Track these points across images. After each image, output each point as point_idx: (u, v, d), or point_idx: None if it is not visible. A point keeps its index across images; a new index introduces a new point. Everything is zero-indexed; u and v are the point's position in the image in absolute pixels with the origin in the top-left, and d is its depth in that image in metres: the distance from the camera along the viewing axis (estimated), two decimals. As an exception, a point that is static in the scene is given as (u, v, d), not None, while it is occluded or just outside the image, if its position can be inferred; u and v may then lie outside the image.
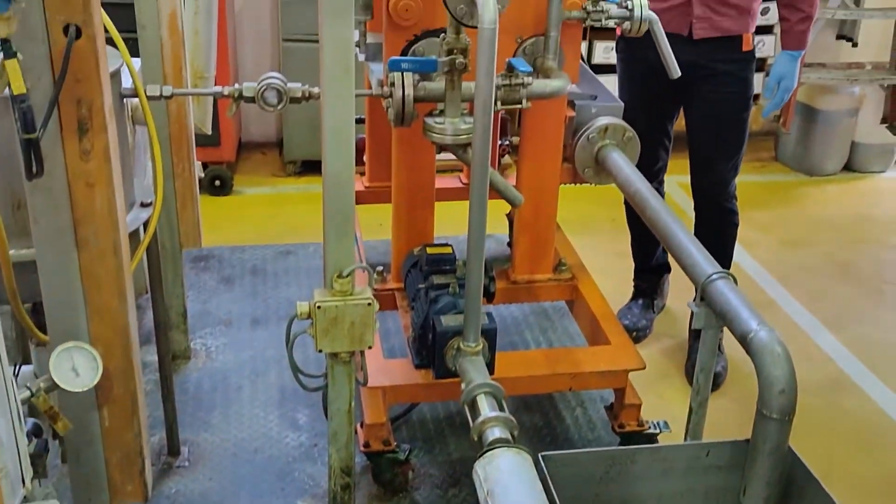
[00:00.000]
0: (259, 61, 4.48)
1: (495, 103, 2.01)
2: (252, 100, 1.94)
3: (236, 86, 1.95)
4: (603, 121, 2.42)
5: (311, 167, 4.26)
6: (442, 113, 1.98)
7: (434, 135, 1.97)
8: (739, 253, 3.74)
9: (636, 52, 2.70)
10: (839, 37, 5.08)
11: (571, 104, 2.46)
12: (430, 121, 1.97)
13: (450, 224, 2.66)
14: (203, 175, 4.01)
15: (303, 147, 4.25)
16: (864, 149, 4.76)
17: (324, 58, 1.59)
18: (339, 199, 1.72)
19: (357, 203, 2.99)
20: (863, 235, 4.06)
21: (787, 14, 2.73)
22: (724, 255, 2.96)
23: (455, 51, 1.89)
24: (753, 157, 4.89)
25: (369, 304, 1.76)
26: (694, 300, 1.84)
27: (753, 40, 2.77)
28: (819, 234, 4.05)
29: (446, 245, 2.30)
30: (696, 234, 2.95)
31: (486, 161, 1.75)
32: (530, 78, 2.01)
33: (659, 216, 2.06)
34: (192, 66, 2.50)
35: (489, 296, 2.22)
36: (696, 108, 2.81)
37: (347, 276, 1.76)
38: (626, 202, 3.08)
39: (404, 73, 1.93)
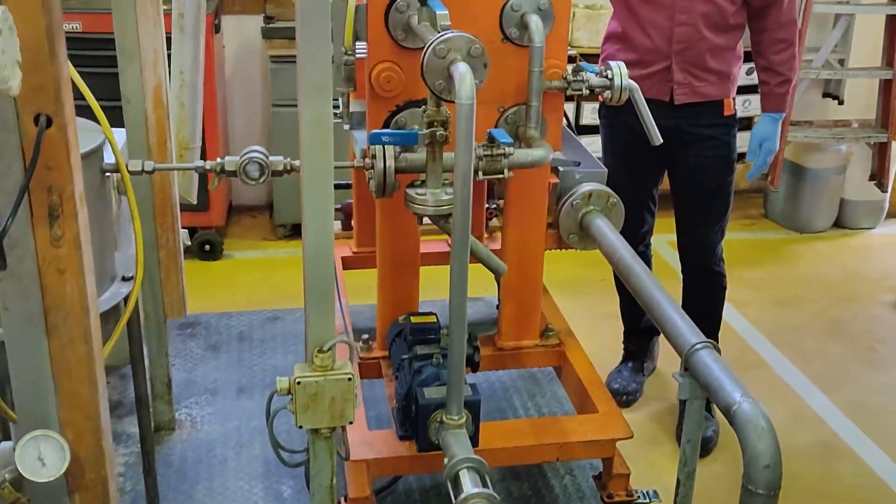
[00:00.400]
0: (249, 126, 4.53)
1: (477, 173, 2.03)
2: (234, 174, 1.94)
3: (218, 160, 1.95)
4: (587, 187, 2.42)
5: (301, 231, 4.27)
6: (423, 184, 1.98)
7: (415, 206, 1.97)
8: (730, 312, 3.74)
9: (618, 117, 2.73)
10: (825, 95, 5.14)
11: (555, 171, 2.47)
12: (411, 192, 1.97)
13: (438, 288, 2.64)
14: (190, 241, 4.01)
15: (293, 210, 4.25)
16: (854, 206, 4.79)
17: (303, 135, 1.59)
18: (319, 274, 1.71)
19: (345, 268, 3.06)
20: (854, 293, 4.06)
21: (766, 78, 2.76)
22: (712, 319, 2.96)
23: (435, 123, 1.90)
24: (743, 215, 4.91)
25: (349, 378, 1.73)
26: (679, 370, 1.82)
27: (735, 104, 2.80)
28: (810, 292, 4.04)
29: (430, 314, 2.28)
30: (684, 296, 3.02)
31: (466, 234, 1.75)
32: (511, 148, 2.02)
33: (642, 284, 2.04)
34: (177, 138, 2.52)
35: (473, 365, 2.20)
36: (680, 173, 2.83)
37: (328, 350, 1.74)
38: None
39: (385, 146, 1.93)
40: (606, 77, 2.19)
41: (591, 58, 4.29)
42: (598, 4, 4.47)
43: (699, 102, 2.71)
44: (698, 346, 1.79)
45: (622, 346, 3.20)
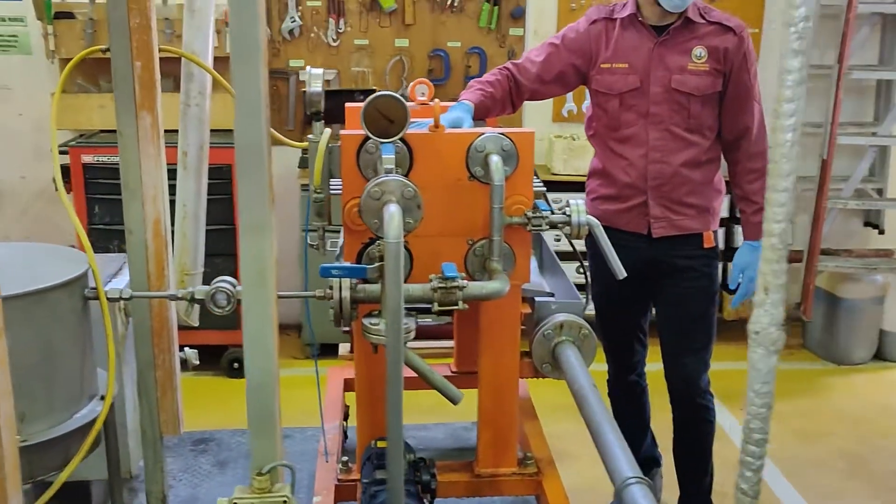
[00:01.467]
0: (285, 250, 4.75)
1: (433, 304, 2.14)
2: (202, 302, 2.09)
3: (189, 289, 2.11)
4: (559, 317, 2.48)
5: (330, 350, 4.40)
6: (380, 314, 2.09)
7: (370, 335, 2.07)
8: (748, 445, 3.64)
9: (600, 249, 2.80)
10: (867, 224, 5.10)
11: (532, 301, 2.55)
12: (366, 322, 2.08)
13: (436, 411, 2.69)
14: (198, 360, 4.18)
15: (320, 329, 4.39)
16: (894, 337, 4.66)
17: (242, 272, 1.73)
18: (261, 399, 1.82)
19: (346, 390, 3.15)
20: (884, 430, 3.91)
21: (743, 207, 2.82)
22: (701, 452, 2.93)
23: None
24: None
25: (284, 501, 1.81)
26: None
27: (716, 237, 2.86)
28: (837, 427, 3.92)
29: (398, 439, 2.34)
30: (674, 430, 2.99)
31: (399, 364, 1.84)
32: (465, 281, 2.12)
33: (592, 413, 2.07)
34: (178, 265, 2.71)
35: (431, 492, 2.24)
36: (662, 304, 2.87)
37: (266, 473, 1.82)
38: (610, 391, 3.11)
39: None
40: (565, 213, 2.29)
41: (569, 185, 4.48)
42: (576, 136, 4.63)
43: (677, 235, 2.78)
44: (631, 480, 1.80)
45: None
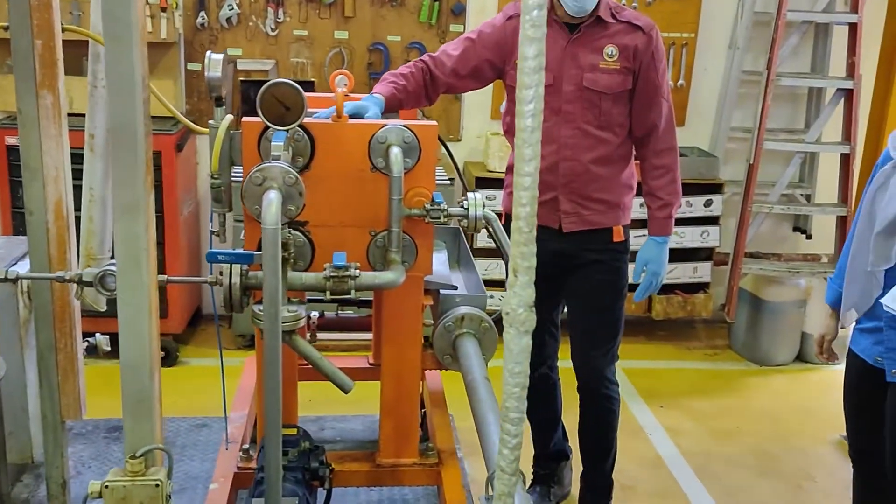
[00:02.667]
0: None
1: (325, 293, 2.15)
2: (91, 284, 2.08)
3: (77, 271, 2.10)
4: (461, 310, 2.50)
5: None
6: (269, 301, 2.09)
7: (258, 321, 2.07)
8: (663, 441, 3.71)
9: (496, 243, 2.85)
10: (795, 229, 5.19)
11: (436, 293, 2.57)
12: (255, 308, 2.07)
13: (359, 404, 2.70)
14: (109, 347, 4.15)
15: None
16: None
17: (117, 253, 1.73)
18: (135, 381, 1.82)
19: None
20: (798, 429, 3.99)
21: (648, 202, 2.88)
22: (604, 440, 2.99)
23: (276, 245, 2.02)
24: (707, 344, 4.91)
25: (157, 485, 1.81)
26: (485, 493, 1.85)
27: (626, 231, 2.91)
28: (753, 426, 3.99)
29: (294, 427, 2.35)
30: (580, 420, 3.04)
31: (277, 352, 1.84)
32: (358, 271, 2.13)
33: (479, 405, 2.10)
34: (85, 248, 2.69)
35: (320, 480, 2.25)
36: (571, 297, 2.93)
37: (140, 456, 1.82)
38: (532, 384, 3.14)
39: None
40: (462, 206, 2.30)
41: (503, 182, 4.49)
42: None
43: (587, 230, 2.83)
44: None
45: (530, 469, 3.20)
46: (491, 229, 2.36)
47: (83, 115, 2.66)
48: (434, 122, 2.38)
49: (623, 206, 2.88)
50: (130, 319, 1.77)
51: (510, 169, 2.98)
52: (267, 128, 2.22)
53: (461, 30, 4.75)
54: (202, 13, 4.56)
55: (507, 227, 3.06)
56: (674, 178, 2.83)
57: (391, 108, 2.70)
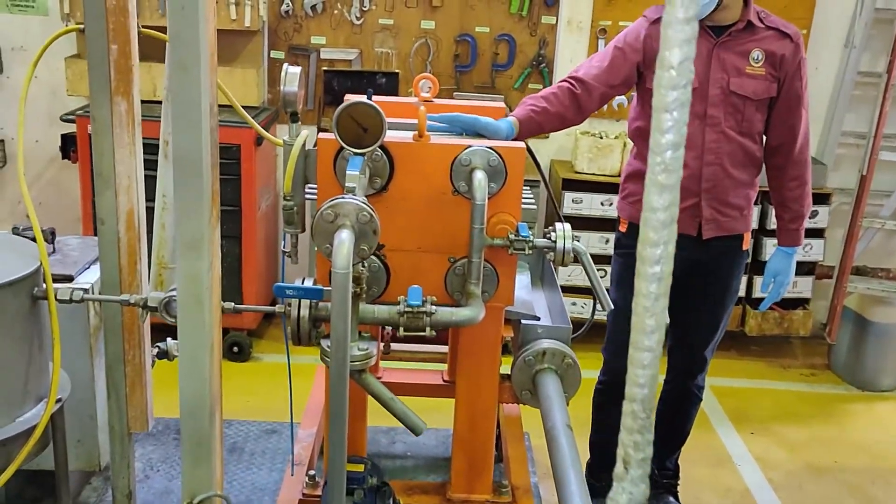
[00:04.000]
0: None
1: (398, 330, 2.00)
2: (155, 309, 1.99)
3: (143, 295, 2.00)
4: (544, 344, 2.33)
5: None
6: (339, 336, 1.96)
7: (327, 358, 1.94)
8: (755, 475, 3.49)
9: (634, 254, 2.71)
10: (908, 243, 4.82)
11: (517, 323, 2.41)
12: (324, 344, 1.95)
13: (433, 415, 2.58)
14: (170, 352, 4.12)
15: (325, 319, 4.31)
16: (925, 365, 4.41)
17: (178, 289, 1.62)
18: (194, 425, 1.71)
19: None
20: (903, 467, 3.70)
21: (780, 212, 2.83)
22: (682, 432, 3.13)
23: (347, 278, 1.88)
24: (805, 363, 4.62)
25: (213, 535, 1.71)
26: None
27: (749, 238, 2.89)
28: (852, 460, 3.71)
29: (361, 462, 2.23)
30: (663, 412, 2.96)
31: (344, 396, 1.71)
32: (434, 307, 1.98)
33: (560, 459, 1.93)
34: (157, 258, 2.60)
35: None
36: (684, 299, 2.81)
37: (199, 503, 1.72)
38: (596, 392, 3.07)
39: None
40: (549, 238, 2.12)
41: (592, 185, 4.25)
42: (604, 133, 4.39)
43: (724, 236, 2.78)
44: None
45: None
46: (582, 264, 2.17)
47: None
48: (522, 145, 2.20)
49: (750, 212, 2.84)
50: (190, 360, 1.66)
51: (635, 175, 2.85)
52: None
53: (553, 22, 4.53)
54: (287, 0, 4.45)
55: (623, 238, 2.90)
56: (807, 190, 2.79)
57: (528, 130, 2.56)
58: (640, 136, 2.81)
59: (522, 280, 2.66)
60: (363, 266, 1.91)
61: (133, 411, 2.63)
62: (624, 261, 2.94)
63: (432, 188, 2.18)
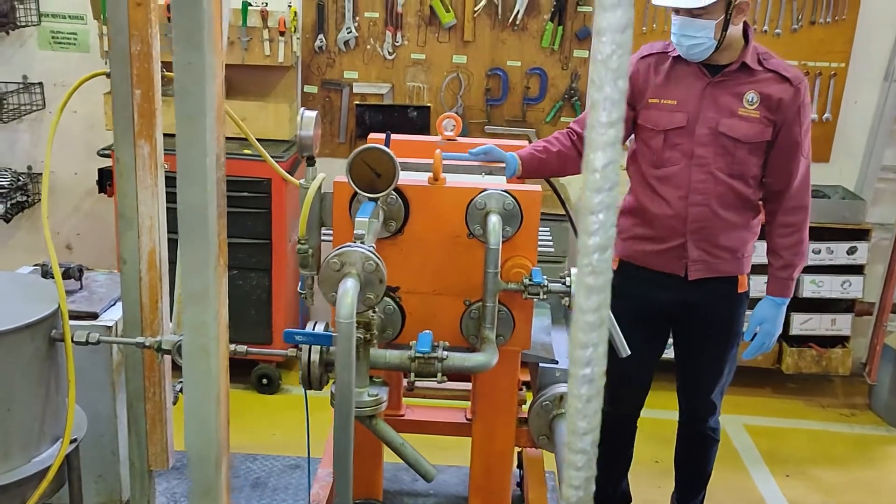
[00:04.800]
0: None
1: (408, 375, 1.99)
2: (168, 352, 2.00)
3: (158, 338, 2.02)
4: (561, 388, 2.31)
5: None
6: (350, 381, 1.95)
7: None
8: (786, 522, 3.39)
9: (631, 287, 2.69)
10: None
11: (536, 366, 2.38)
12: (334, 388, 1.94)
13: (456, 452, 2.58)
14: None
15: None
16: (971, 407, 4.26)
17: (184, 340, 1.63)
18: (201, 474, 1.71)
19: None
20: (947, 516, 3.57)
21: (771, 260, 2.73)
22: (702, 474, 3.04)
23: (358, 325, 1.87)
24: (844, 403, 4.49)
25: (217, 585, 1.70)
26: None
27: (749, 281, 2.78)
28: (892, 508, 3.59)
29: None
30: (680, 453, 2.99)
31: (349, 444, 1.70)
32: (446, 353, 1.96)
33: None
34: (178, 296, 2.63)
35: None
36: (685, 342, 2.84)
37: (203, 551, 1.71)
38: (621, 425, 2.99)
39: (312, 340, 1.93)
40: (565, 283, 2.10)
41: None
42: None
43: (713, 278, 2.70)
44: None
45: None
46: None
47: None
48: (538, 188, 2.19)
49: (747, 254, 2.75)
50: (196, 410, 1.66)
51: (627, 212, 2.81)
52: (359, 189, 2.09)
53: (585, 55, 4.51)
54: (321, 36, 4.50)
55: (616, 276, 2.86)
56: (801, 238, 2.68)
57: (530, 169, 2.60)
58: (636, 173, 2.77)
59: (542, 322, 2.63)
60: (374, 311, 1.90)
61: (153, 448, 2.65)
62: (615, 301, 2.87)
63: (447, 231, 2.17)
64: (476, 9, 4.42)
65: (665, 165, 2.65)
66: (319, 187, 2.14)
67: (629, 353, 2.19)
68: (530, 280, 2.09)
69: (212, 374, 1.63)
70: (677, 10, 2.51)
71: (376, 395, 1.92)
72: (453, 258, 2.18)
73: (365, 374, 1.93)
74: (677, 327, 2.84)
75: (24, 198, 4.50)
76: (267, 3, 4.42)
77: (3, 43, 4.39)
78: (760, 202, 2.73)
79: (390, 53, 4.52)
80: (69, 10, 4.51)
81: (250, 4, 4.34)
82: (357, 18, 4.48)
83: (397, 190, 2.13)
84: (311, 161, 2.16)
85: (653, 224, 2.70)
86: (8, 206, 4.36)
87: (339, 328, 1.62)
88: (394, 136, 2.88)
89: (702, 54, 2.55)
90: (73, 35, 4.54)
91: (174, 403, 2.72)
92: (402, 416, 2.91)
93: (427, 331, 1.99)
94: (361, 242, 1.75)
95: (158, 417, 2.64)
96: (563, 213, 2.94)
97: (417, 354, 1.95)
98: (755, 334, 2.73)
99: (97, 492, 2.75)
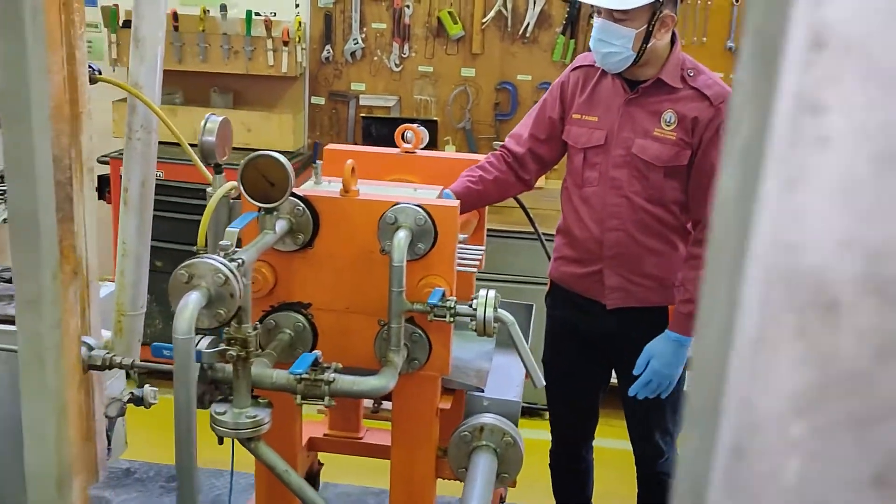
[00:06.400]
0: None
1: (296, 396, 1.87)
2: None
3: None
4: (483, 419, 2.15)
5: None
6: (231, 400, 1.84)
7: (216, 427, 1.83)
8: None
9: (560, 309, 2.53)
10: None
11: (462, 393, 2.23)
12: (213, 409, 1.84)
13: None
14: (146, 399, 4.06)
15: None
16: None
17: (19, 349, 1.55)
18: (41, 496, 1.63)
19: (314, 450, 2.91)
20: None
21: (675, 292, 2.43)
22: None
23: (233, 341, 1.77)
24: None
25: None
26: None
27: None
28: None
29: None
30: (638, 495, 2.73)
31: (192, 474, 1.59)
32: (333, 374, 1.84)
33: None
34: (116, 304, 2.57)
35: None
36: (624, 380, 2.60)
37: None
38: (552, 463, 2.82)
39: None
40: (471, 306, 1.95)
41: None
42: None
43: (637, 308, 2.47)
44: None
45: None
46: (512, 333, 1.98)
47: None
48: (455, 203, 2.05)
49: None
50: (35, 426, 1.58)
51: (559, 231, 2.64)
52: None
53: (599, 70, 4.34)
54: (328, 46, 4.45)
55: (548, 297, 2.69)
56: None
57: (469, 203, 2.37)
58: (564, 192, 2.59)
59: (484, 347, 2.47)
60: (253, 329, 1.79)
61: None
62: (549, 321, 2.71)
63: (360, 246, 2.05)
64: (484, 20, 4.31)
65: (585, 186, 2.48)
66: (227, 195, 2.05)
67: (544, 384, 2.03)
68: (441, 300, 1.95)
69: (48, 386, 1.55)
70: (599, 11, 2.34)
71: (255, 417, 1.80)
72: (367, 275, 2.05)
73: (245, 394, 1.82)
74: (612, 358, 2.65)
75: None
76: (275, 14, 4.40)
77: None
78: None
79: (397, 65, 4.44)
80: (87, 18, 4.56)
81: (258, 14, 4.32)
82: (364, 29, 4.42)
83: (305, 201, 2.02)
84: (218, 169, 2.06)
85: (575, 246, 2.53)
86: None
87: (175, 344, 1.52)
88: (352, 148, 2.80)
89: (617, 65, 2.36)
90: (89, 43, 4.59)
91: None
92: (360, 438, 2.79)
93: (316, 351, 1.86)
94: (224, 254, 1.64)
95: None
96: (531, 230, 2.80)
97: (303, 375, 1.83)
98: (644, 369, 2.44)
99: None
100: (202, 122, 2.04)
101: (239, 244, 1.74)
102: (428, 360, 2.08)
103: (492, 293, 1.96)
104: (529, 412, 2.86)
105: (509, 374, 2.44)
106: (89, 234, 2.44)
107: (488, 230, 2.80)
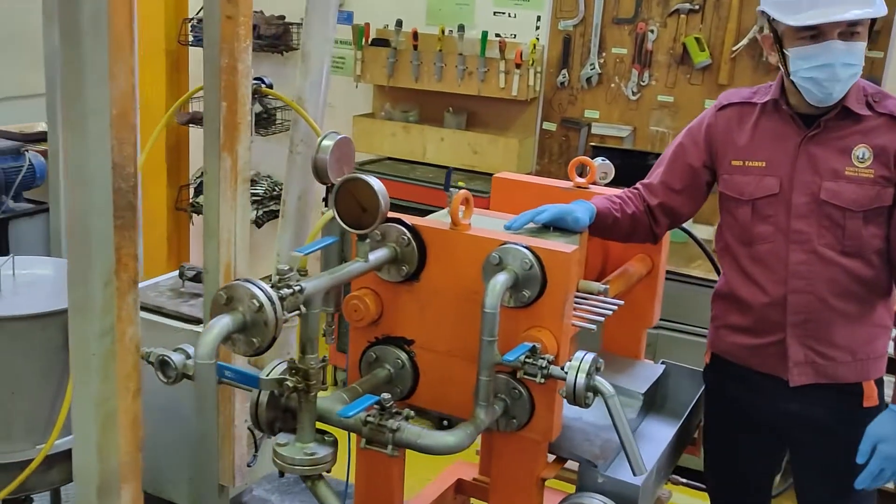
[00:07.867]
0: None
1: (360, 441, 1.74)
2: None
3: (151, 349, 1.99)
4: (589, 499, 1.86)
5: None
6: (296, 431, 1.74)
7: (276, 461, 1.73)
8: None
9: (727, 387, 2.15)
10: None
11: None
12: (276, 439, 1.74)
13: None
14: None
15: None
16: None
17: (70, 356, 1.56)
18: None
19: (461, 493, 2.76)
20: None
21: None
22: None
23: (296, 372, 1.67)
24: None
25: None
26: None
27: (881, 391, 2.09)
28: None
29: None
30: None
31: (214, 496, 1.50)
32: (402, 422, 1.67)
33: None
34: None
35: None
36: (802, 469, 2.21)
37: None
38: None
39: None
40: (563, 368, 1.68)
41: None
42: None
43: (825, 385, 2.05)
44: None
45: None
46: (608, 407, 1.69)
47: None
48: (569, 248, 1.79)
49: (876, 355, 2.06)
50: (80, 430, 1.58)
51: (720, 296, 2.24)
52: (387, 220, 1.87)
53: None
54: (564, 71, 4.27)
55: (708, 372, 2.27)
56: None
57: (604, 224, 2.11)
58: (726, 252, 2.19)
59: (629, 412, 2.16)
60: (321, 360, 1.68)
61: (222, 463, 2.64)
62: (708, 399, 2.28)
63: (465, 285, 1.87)
64: (735, 48, 3.89)
65: (756, 242, 2.06)
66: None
67: (645, 471, 1.70)
68: (533, 356, 1.71)
69: (91, 394, 1.54)
70: (832, 30, 1.90)
71: (313, 455, 1.69)
72: (471, 317, 1.85)
73: (308, 428, 1.71)
74: (790, 446, 2.21)
75: (278, 206, 4.85)
76: (515, 35, 4.31)
77: (278, 63, 4.79)
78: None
79: (634, 93, 4.15)
80: (339, 36, 4.79)
81: (498, 35, 4.26)
82: (603, 54, 4.18)
83: (413, 231, 1.88)
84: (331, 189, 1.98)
85: (746, 313, 2.11)
86: (260, 213, 4.73)
87: (197, 370, 1.44)
88: (522, 177, 2.58)
89: (843, 91, 1.94)
90: (342, 59, 4.81)
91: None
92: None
93: (384, 394, 1.70)
94: (279, 279, 1.54)
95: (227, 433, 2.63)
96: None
97: (369, 418, 1.69)
98: (870, 457, 1.97)
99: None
100: (318, 139, 1.97)
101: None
102: (529, 421, 1.84)
103: (589, 356, 1.67)
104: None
105: (646, 450, 2.11)
106: (240, 244, 2.51)
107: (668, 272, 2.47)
